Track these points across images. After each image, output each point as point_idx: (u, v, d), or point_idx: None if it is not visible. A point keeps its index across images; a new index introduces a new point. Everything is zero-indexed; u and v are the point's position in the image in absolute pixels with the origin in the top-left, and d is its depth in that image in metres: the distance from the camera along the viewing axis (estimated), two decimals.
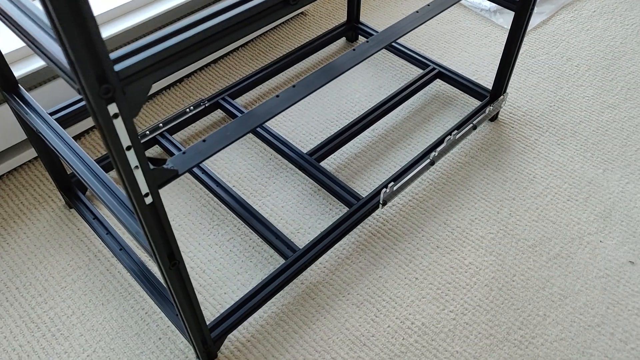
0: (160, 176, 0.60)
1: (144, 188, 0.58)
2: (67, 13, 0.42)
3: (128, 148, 0.54)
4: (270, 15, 0.59)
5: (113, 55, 0.50)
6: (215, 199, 1.13)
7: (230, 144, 0.66)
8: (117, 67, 0.49)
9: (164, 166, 0.61)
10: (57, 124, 0.85)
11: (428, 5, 0.88)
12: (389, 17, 1.61)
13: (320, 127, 1.28)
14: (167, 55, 0.52)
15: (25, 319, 0.94)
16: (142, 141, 1.17)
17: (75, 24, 0.43)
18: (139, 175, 0.57)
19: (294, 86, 0.71)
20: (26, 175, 1.16)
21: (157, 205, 0.61)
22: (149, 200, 0.60)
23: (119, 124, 0.51)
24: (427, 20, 0.86)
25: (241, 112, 1.23)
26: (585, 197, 1.14)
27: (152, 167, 0.58)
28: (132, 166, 0.56)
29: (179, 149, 1.15)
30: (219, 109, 1.29)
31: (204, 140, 0.66)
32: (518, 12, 1.09)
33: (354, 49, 0.77)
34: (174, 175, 0.61)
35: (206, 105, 1.25)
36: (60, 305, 0.96)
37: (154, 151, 1.22)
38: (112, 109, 0.50)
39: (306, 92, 0.71)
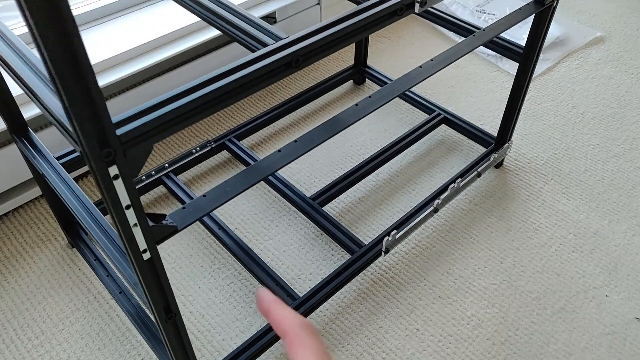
0: (159, 233, 0.60)
1: (142, 244, 0.58)
2: (73, 85, 0.43)
3: (127, 207, 0.54)
4: (274, 78, 0.60)
5: (115, 119, 0.50)
6: (217, 241, 1.12)
7: (230, 199, 0.66)
8: (119, 132, 0.50)
9: (163, 222, 0.62)
10: (62, 168, 0.86)
11: (431, 60, 0.89)
12: (396, 61, 1.63)
13: (325, 169, 1.29)
14: (170, 118, 0.53)
15: None
16: (147, 181, 1.18)
17: (80, 95, 0.44)
18: (137, 232, 0.57)
19: (295, 141, 0.72)
20: (31, 213, 1.17)
21: (155, 260, 0.61)
22: (147, 256, 0.60)
23: (118, 184, 0.52)
24: (432, 74, 0.87)
25: (247, 154, 1.24)
26: (591, 249, 1.13)
27: (151, 224, 0.59)
28: (131, 224, 0.56)
29: (183, 190, 1.16)
30: (225, 150, 1.31)
31: (204, 195, 0.66)
32: (522, 64, 1.10)
33: (356, 104, 0.78)
34: (172, 231, 0.62)
35: (212, 146, 1.26)
36: (56, 349, 0.95)
37: (159, 191, 1.22)
38: (113, 170, 0.51)
39: (308, 147, 0.72)
